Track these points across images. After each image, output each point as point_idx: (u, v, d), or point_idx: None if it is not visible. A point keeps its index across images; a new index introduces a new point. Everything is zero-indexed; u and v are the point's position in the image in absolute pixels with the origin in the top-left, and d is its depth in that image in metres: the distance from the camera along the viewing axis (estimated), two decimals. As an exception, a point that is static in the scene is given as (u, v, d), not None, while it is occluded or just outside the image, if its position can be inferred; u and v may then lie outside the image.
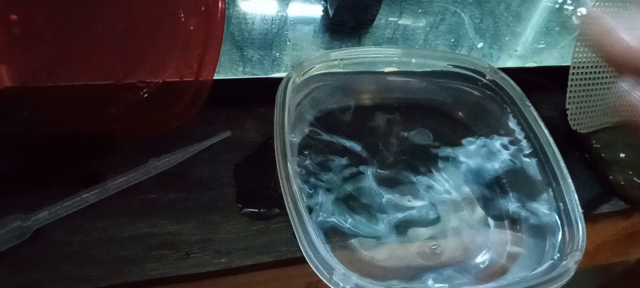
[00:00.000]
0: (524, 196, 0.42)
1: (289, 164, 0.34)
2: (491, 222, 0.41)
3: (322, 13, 0.54)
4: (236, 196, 0.41)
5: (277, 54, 0.49)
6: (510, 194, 0.42)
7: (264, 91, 0.47)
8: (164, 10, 0.34)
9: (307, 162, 0.41)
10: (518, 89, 0.44)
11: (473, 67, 0.46)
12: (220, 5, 0.34)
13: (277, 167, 0.35)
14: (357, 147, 0.43)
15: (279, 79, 0.46)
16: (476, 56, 0.54)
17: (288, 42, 0.50)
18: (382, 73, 0.46)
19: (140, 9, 0.33)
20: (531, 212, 0.41)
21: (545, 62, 0.55)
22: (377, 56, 0.44)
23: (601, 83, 0.49)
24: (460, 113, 0.47)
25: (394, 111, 0.46)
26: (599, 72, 0.49)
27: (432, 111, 0.47)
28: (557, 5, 0.64)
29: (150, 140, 0.41)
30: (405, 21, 0.56)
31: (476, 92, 0.46)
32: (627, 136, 0.52)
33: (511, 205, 0.42)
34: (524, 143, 0.43)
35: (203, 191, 0.41)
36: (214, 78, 0.44)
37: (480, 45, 0.55)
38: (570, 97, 0.48)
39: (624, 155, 0.50)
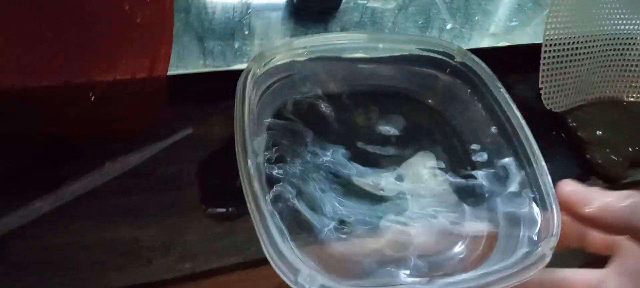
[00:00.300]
0: (497, 182, 0.41)
1: (249, 161, 0.33)
2: (466, 209, 0.41)
3: (286, -1, 0.52)
4: (200, 196, 0.40)
5: (240, 44, 0.47)
6: (484, 181, 0.42)
7: (227, 84, 0.46)
8: (107, 3, 0.32)
9: (273, 155, 0.40)
10: (488, 70, 0.44)
11: (442, 50, 0.45)
12: (169, 9, 0.33)
13: (238, 164, 0.34)
14: (324, 137, 0.42)
15: (242, 71, 0.45)
16: (447, 37, 0.53)
17: (251, 31, 0.48)
18: (349, 60, 0.45)
19: (82, 3, 0.32)
20: (505, 198, 0.40)
21: (519, 40, 0.55)
22: (343, 43, 0.43)
23: (574, 60, 0.49)
24: (430, 99, 0.46)
25: (362, 99, 0.45)
26: (572, 49, 0.48)
27: (401, 97, 0.46)
28: (529, -19, 0.63)
29: (107, 143, 0.39)
30: (373, 3, 0.55)
31: (446, 76, 0.45)
32: (604, 113, 0.52)
33: (485, 192, 0.41)
34: (495, 128, 0.43)
35: (165, 192, 0.39)
36: (175, 73, 0.43)
37: (449, 26, 0.54)
38: (543, 76, 0.48)
39: (600, 132, 0.50)
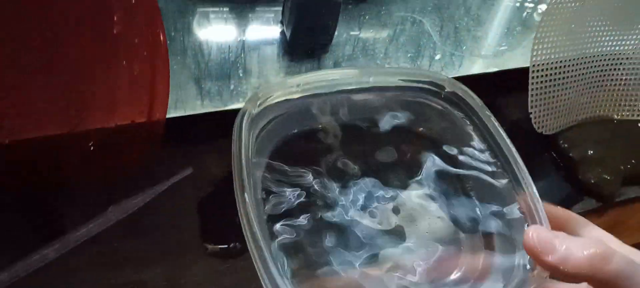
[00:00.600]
0: (491, 208, 0.42)
1: (247, 200, 0.34)
2: (462, 237, 0.42)
3: (279, 35, 0.54)
4: (202, 235, 0.41)
5: (236, 83, 0.49)
6: (479, 207, 0.43)
7: (224, 123, 0.47)
8: (105, 58, 0.34)
9: (271, 193, 0.41)
10: (477, 99, 0.45)
11: (432, 81, 0.46)
12: (162, 48, 0.35)
13: (237, 207, 0.35)
14: (322, 172, 0.44)
15: (239, 110, 0.47)
16: (438, 66, 0.55)
17: (246, 70, 0.50)
18: (342, 93, 0.46)
19: (82, 58, 0.33)
20: (500, 224, 0.41)
21: (509, 64, 0.56)
22: (335, 79, 0.45)
23: (563, 83, 0.50)
24: (422, 128, 0.48)
25: (357, 131, 0.47)
26: (560, 72, 0.50)
27: (394, 128, 0.48)
28: (517, 4, 0.65)
29: (109, 186, 0.41)
30: (365, 35, 0.56)
31: (437, 106, 0.47)
32: (595, 132, 0.53)
33: (480, 218, 0.43)
34: (487, 154, 0.44)
35: (167, 233, 0.41)
36: (173, 116, 0.45)
37: (438, 57, 0.56)
38: (532, 101, 0.49)
39: (592, 152, 0.51)
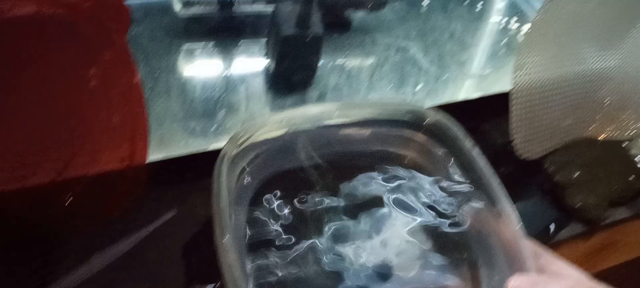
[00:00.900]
0: (476, 239, 0.43)
1: (227, 248, 0.35)
2: (448, 268, 0.42)
3: (264, 69, 0.55)
4: (189, 278, 0.42)
5: (220, 121, 0.50)
6: (464, 239, 0.44)
7: (209, 163, 0.48)
8: (83, 110, 0.35)
9: (254, 234, 0.42)
10: (460, 129, 0.46)
11: (413, 113, 0.47)
12: (139, 98, 0.36)
13: (217, 253, 0.36)
14: (304, 210, 0.44)
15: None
16: (422, 93, 0.56)
17: (231, 107, 0.51)
18: (324, 128, 0.47)
19: (62, 110, 0.35)
20: (485, 255, 0.42)
21: (494, 87, 0.57)
22: (315, 115, 0.45)
23: (545, 106, 0.51)
24: (406, 160, 0.48)
25: (340, 165, 0.48)
26: (542, 96, 0.50)
27: (378, 161, 0.48)
28: (501, 26, 0.66)
29: (93, 235, 0.42)
30: (349, 65, 0.57)
31: (419, 139, 0.48)
32: (580, 154, 0.54)
33: (466, 249, 0.43)
34: (471, 186, 0.45)
35: (153, 278, 0.41)
36: (157, 158, 0.46)
37: (421, 85, 0.56)
38: (514, 127, 0.50)
39: (577, 175, 0.51)
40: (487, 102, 0.57)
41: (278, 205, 0.44)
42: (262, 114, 0.51)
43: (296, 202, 0.45)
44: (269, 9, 0.55)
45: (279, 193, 0.45)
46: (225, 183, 0.40)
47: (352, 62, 0.58)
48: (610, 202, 0.51)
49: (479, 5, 0.68)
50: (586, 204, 0.50)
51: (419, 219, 0.45)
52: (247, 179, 0.44)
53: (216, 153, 0.48)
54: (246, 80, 0.54)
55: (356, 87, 0.55)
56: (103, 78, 0.33)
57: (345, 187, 0.47)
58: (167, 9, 0.55)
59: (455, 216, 0.45)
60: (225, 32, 0.57)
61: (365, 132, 0.48)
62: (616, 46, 0.54)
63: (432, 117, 0.47)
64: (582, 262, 0.55)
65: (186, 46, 0.56)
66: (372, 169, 0.48)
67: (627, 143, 0.56)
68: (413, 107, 0.47)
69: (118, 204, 0.42)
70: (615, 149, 0.55)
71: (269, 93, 0.53)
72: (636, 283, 0.44)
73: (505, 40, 0.64)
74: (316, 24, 0.51)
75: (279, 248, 0.42)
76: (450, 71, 0.59)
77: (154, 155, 0.46)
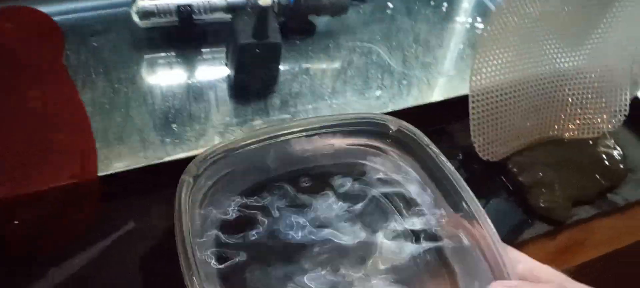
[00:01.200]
0: (452, 249, 0.44)
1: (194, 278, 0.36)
2: (425, 275, 0.43)
3: (226, 78, 0.55)
4: (145, 289, 0.42)
5: (180, 131, 0.50)
6: (437, 244, 0.44)
7: (168, 173, 0.49)
8: (26, 132, 0.36)
9: (219, 264, 0.42)
10: (423, 137, 0.46)
11: (377, 122, 0.48)
12: (83, 117, 0.37)
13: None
14: (275, 227, 0.44)
15: (183, 160, 0.48)
16: (386, 97, 0.56)
17: (191, 116, 0.51)
18: (286, 142, 0.47)
19: (3, 134, 0.35)
20: (462, 264, 0.43)
21: (460, 88, 0.58)
22: (277, 132, 0.46)
23: (506, 108, 0.52)
24: (373, 170, 0.49)
25: (305, 180, 0.48)
26: (503, 97, 0.51)
27: (341, 175, 0.48)
28: (467, 25, 0.66)
29: (49, 251, 0.42)
30: (313, 70, 0.58)
31: (384, 148, 0.48)
32: (544, 154, 0.54)
33: (442, 260, 0.44)
34: (434, 191, 0.45)
35: (111, 291, 0.42)
36: (115, 171, 0.46)
37: (384, 90, 0.57)
38: (474, 129, 0.51)
39: (541, 174, 0.52)
40: (453, 104, 0.57)
41: (242, 228, 0.44)
42: (222, 122, 0.52)
43: (257, 223, 0.44)
44: (229, 17, 0.56)
45: (242, 214, 0.45)
46: (188, 211, 0.41)
47: (316, 67, 0.59)
48: (575, 201, 0.52)
49: (445, 6, 0.68)
50: (550, 204, 0.51)
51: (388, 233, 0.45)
52: (211, 204, 0.44)
53: (176, 163, 0.48)
54: (208, 89, 0.54)
55: (320, 93, 0.56)
56: (43, 99, 0.34)
57: (310, 203, 0.47)
58: (129, 20, 0.56)
59: (426, 229, 0.45)
60: (187, 41, 0.58)
61: (329, 146, 0.48)
62: (579, 45, 0.55)
63: (396, 125, 0.47)
64: (548, 262, 0.56)
65: (148, 57, 0.56)
66: (334, 183, 0.48)
67: (592, 141, 0.57)
68: (376, 116, 0.48)
69: (74, 219, 0.43)
70: (580, 148, 0.56)
71: (231, 102, 0.54)
72: (603, 282, 0.45)
73: (470, 41, 0.65)
74: (274, 31, 0.51)
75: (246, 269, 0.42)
76: (415, 74, 0.59)
77: (113, 167, 0.47)
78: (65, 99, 0.35)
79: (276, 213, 0.45)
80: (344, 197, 0.47)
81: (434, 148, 0.46)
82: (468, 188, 0.43)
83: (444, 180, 0.45)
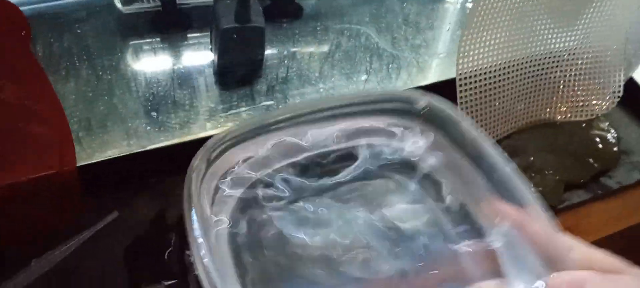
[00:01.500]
0: (492, 231, 0.40)
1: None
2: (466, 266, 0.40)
3: (211, 63, 0.55)
4: (134, 279, 0.43)
5: (164, 119, 0.50)
6: (478, 230, 0.41)
7: (152, 162, 0.49)
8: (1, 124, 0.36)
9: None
10: (457, 112, 0.44)
11: (404, 99, 0.45)
12: (58, 109, 0.37)
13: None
14: (292, 222, 0.42)
15: (167, 148, 0.49)
16: (374, 81, 0.56)
17: (176, 103, 0.52)
18: (304, 124, 0.45)
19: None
20: (503, 247, 0.39)
21: (449, 71, 0.57)
22: (287, 116, 0.44)
23: (496, 90, 0.51)
24: (404, 152, 0.45)
25: (329, 164, 0.45)
26: (492, 80, 0.51)
27: (371, 159, 0.45)
28: (458, 5, 0.66)
29: (31, 242, 0.43)
30: (299, 54, 0.58)
31: (415, 126, 0.46)
32: (536, 137, 0.54)
33: (480, 241, 0.40)
34: (472, 173, 0.42)
35: (97, 282, 0.42)
36: (98, 160, 0.47)
37: (373, 72, 0.57)
38: (462, 112, 0.50)
39: (533, 158, 0.52)
40: (444, 86, 0.57)
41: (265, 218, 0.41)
42: (208, 109, 0.52)
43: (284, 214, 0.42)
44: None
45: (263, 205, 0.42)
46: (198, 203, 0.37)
47: (303, 51, 0.58)
48: (567, 186, 0.52)
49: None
50: (542, 189, 0.51)
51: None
52: (223, 200, 0.42)
53: (160, 151, 0.49)
54: (193, 75, 0.55)
55: (307, 78, 0.56)
56: (13, 89, 0.34)
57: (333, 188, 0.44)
58: (111, 6, 0.56)
59: (464, 214, 0.42)
60: (171, 26, 0.58)
61: (354, 128, 0.46)
62: (571, 25, 0.54)
63: (427, 101, 0.44)
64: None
65: (132, 43, 0.56)
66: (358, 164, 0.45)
67: (585, 124, 0.56)
68: (404, 93, 0.45)
69: (55, 210, 0.43)
70: (573, 131, 0.56)
71: (216, 87, 0.54)
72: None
73: (461, 22, 0.64)
74: (257, 15, 0.51)
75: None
76: (405, 56, 0.59)
77: (96, 157, 0.47)
78: (36, 89, 0.35)
79: (294, 195, 0.43)
80: (370, 177, 0.44)
81: (469, 125, 0.43)
82: (511, 167, 0.39)
83: (482, 160, 0.41)
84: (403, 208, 0.43)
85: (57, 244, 0.43)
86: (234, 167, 0.43)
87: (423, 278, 0.39)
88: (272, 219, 0.41)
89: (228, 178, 0.42)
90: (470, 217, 0.42)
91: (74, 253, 0.43)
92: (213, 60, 0.55)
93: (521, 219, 0.38)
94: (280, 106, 0.53)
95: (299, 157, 0.45)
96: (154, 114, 0.51)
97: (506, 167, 0.40)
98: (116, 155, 0.47)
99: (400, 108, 0.46)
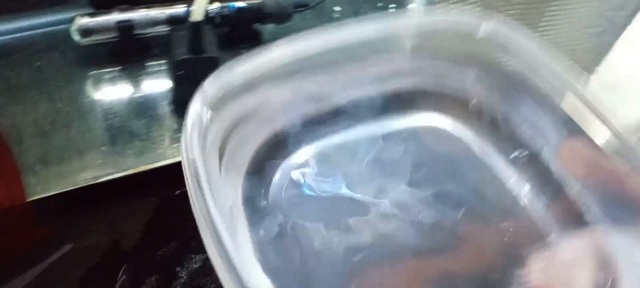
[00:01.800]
0: (593, 196, 0.34)
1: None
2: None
3: (168, 90, 0.57)
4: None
5: (119, 150, 0.52)
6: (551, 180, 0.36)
7: (107, 193, 0.50)
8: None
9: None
10: (531, 39, 0.35)
11: (460, 24, 0.36)
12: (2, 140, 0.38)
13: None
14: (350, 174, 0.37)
15: (123, 178, 0.50)
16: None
17: (132, 134, 0.53)
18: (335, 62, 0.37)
19: None
20: (607, 215, 0.34)
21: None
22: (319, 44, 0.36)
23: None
24: (465, 90, 0.39)
25: (374, 109, 0.39)
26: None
27: (423, 95, 0.39)
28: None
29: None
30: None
31: (470, 59, 0.38)
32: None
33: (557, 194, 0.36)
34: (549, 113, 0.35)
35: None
36: (48, 194, 0.48)
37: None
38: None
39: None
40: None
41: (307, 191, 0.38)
42: (165, 138, 0.53)
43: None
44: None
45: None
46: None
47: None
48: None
49: (392, 8, 0.69)
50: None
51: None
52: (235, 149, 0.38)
53: (115, 182, 0.50)
54: (151, 104, 0.56)
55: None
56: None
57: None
58: (70, 38, 0.57)
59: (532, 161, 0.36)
60: (131, 56, 0.59)
61: (392, 64, 0.39)
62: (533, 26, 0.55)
63: (490, 23, 0.36)
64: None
65: (91, 74, 0.58)
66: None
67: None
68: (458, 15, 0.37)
69: (7, 244, 0.44)
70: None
71: (174, 116, 0.55)
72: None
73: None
74: (211, 45, 0.53)
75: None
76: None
77: (52, 189, 0.48)
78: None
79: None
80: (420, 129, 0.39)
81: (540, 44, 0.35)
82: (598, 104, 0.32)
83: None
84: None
85: (11, 278, 0.44)
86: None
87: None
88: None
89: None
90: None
91: (27, 287, 0.45)
92: (171, 89, 0.57)
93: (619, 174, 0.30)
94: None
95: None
96: (111, 144, 0.52)
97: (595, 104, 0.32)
98: (70, 188, 0.49)
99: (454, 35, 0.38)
